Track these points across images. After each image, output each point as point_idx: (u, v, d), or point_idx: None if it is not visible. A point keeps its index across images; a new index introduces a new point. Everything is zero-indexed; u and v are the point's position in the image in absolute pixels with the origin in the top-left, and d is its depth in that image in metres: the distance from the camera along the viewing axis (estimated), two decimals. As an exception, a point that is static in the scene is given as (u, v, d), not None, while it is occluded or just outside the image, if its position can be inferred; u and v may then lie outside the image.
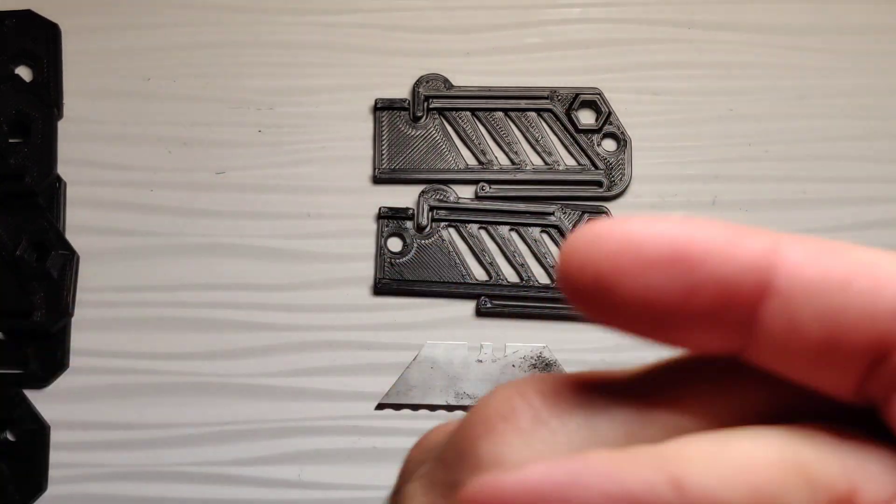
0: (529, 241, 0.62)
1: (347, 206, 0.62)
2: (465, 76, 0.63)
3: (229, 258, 0.62)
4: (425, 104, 0.62)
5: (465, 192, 0.62)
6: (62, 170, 0.63)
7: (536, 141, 0.62)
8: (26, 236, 0.61)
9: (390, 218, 0.62)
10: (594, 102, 0.62)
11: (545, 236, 0.62)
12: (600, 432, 0.16)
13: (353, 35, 0.64)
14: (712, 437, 0.15)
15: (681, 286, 0.15)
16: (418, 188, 0.62)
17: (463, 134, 0.63)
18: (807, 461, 0.15)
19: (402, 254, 0.61)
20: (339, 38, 0.64)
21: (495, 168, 0.62)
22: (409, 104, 0.62)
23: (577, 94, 0.62)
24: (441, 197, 0.62)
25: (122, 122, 0.63)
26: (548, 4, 0.64)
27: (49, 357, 0.61)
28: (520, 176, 0.62)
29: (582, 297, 0.16)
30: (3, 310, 0.60)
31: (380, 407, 0.61)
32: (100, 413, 0.61)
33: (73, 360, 0.62)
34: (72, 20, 0.64)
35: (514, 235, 0.62)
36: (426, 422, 0.60)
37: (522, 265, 0.61)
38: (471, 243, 0.62)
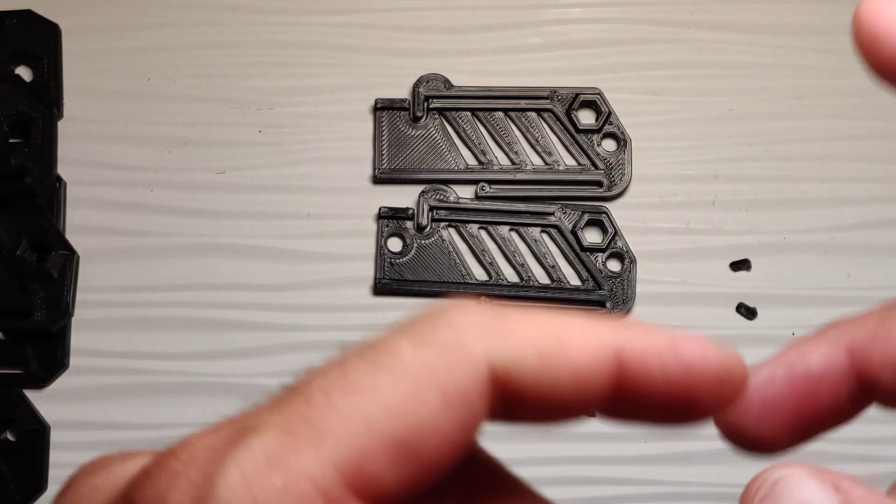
0: (529, 241, 0.62)
1: (347, 206, 0.62)
2: (465, 76, 0.63)
3: (229, 258, 0.62)
4: (425, 104, 0.62)
5: (465, 192, 0.62)
6: (62, 170, 0.63)
7: (536, 141, 0.62)
8: (26, 236, 0.61)
9: (390, 218, 0.62)
10: (594, 102, 0.62)
11: (545, 236, 0.62)
12: None
13: (353, 35, 0.64)
14: None
15: None
16: (418, 188, 0.62)
17: (463, 134, 0.63)
18: None
19: (402, 254, 0.61)
20: (339, 38, 0.64)
21: (495, 168, 0.62)
22: (409, 104, 0.62)
23: (577, 94, 0.62)
24: (441, 197, 0.62)
25: (122, 122, 0.63)
26: (548, 4, 0.64)
27: (49, 357, 0.61)
28: (520, 176, 0.62)
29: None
30: (3, 310, 0.60)
31: (380, 407, 0.61)
32: (100, 413, 0.61)
33: (73, 360, 0.62)
34: (72, 20, 0.64)
35: (514, 235, 0.62)
36: (426, 422, 0.60)
37: (522, 265, 0.61)
38: (471, 243, 0.62)
